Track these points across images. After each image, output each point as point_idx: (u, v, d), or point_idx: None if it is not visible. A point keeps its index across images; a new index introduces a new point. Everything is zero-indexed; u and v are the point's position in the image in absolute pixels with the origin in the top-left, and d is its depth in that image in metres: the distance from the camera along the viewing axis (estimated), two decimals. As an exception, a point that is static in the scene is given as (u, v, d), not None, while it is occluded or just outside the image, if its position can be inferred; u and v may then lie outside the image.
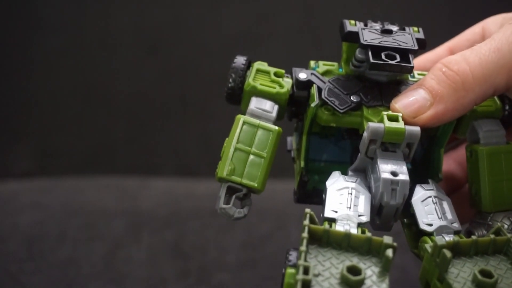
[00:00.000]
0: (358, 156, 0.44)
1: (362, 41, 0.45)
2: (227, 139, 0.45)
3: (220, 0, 1.14)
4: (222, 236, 0.69)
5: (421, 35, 0.47)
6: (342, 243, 0.40)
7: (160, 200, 0.75)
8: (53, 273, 0.64)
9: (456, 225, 0.44)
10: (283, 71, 0.48)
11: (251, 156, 0.45)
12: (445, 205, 0.45)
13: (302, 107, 0.48)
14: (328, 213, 0.42)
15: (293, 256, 0.40)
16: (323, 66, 0.49)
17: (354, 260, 0.39)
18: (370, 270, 0.38)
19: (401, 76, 0.47)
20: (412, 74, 0.49)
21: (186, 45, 1.12)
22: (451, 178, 0.54)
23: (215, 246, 0.68)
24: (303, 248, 0.38)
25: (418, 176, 0.47)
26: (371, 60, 0.44)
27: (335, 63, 0.49)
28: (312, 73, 0.48)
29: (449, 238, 0.43)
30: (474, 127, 0.48)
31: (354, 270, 0.38)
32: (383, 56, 0.45)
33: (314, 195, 0.48)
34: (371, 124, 0.42)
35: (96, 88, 1.11)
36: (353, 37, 0.46)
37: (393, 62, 0.45)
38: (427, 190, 0.45)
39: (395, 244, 0.39)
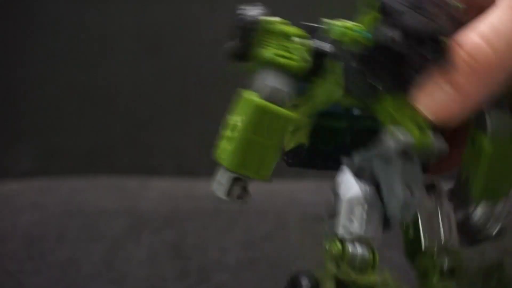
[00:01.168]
0: (368, 154, 0.39)
1: None
2: (232, 117, 0.39)
3: (220, 0, 1.14)
4: (222, 236, 0.69)
5: None
6: None
7: (160, 200, 0.75)
8: (53, 273, 0.64)
9: None
10: (301, 31, 0.40)
11: (264, 147, 0.38)
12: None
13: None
14: (340, 230, 0.38)
15: (306, 281, 0.37)
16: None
17: None
18: None
19: None
20: None
21: (186, 45, 1.11)
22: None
23: (215, 246, 0.68)
24: None
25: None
26: None
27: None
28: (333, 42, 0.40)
29: None
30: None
31: None
32: None
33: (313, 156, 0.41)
34: (402, 138, 0.37)
35: (96, 88, 1.11)
36: None
37: None
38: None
39: None
